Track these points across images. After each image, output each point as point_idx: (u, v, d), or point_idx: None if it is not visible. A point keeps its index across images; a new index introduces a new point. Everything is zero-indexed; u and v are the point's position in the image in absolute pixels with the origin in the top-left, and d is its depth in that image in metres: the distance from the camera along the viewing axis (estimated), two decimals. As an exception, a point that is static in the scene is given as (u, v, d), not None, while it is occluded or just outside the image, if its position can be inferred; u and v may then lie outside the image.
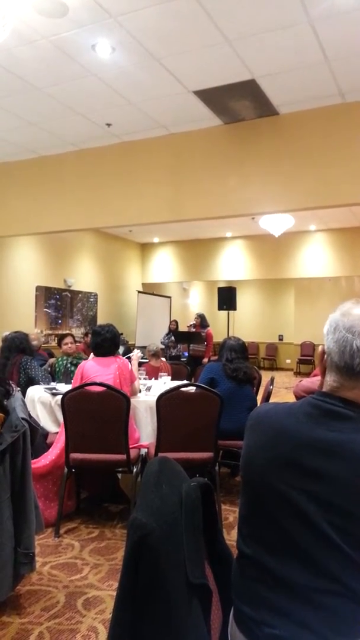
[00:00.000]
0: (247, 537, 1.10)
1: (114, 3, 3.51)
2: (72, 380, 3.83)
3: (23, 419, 2.26)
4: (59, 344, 5.26)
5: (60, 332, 9.99)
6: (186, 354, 9.45)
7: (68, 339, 5.13)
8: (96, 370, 3.67)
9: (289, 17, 3.62)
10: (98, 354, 3.78)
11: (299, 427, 1.06)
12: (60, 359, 5.11)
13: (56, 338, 9.81)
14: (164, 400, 3.32)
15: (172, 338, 9.86)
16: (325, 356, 1.12)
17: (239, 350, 4.09)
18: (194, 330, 9.43)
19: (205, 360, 8.67)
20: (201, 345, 9.16)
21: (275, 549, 1.03)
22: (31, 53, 4.13)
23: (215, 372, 4.01)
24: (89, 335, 9.16)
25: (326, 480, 0.99)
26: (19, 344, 4.40)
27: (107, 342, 3.75)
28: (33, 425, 2.38)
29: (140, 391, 4.04)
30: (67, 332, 9.05)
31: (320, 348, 1.15)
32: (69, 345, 5.10)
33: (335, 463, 1.00)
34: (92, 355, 3.90)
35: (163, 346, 9.45)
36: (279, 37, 3.87)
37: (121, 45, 4.03)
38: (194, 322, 9.53)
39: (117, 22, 3.73)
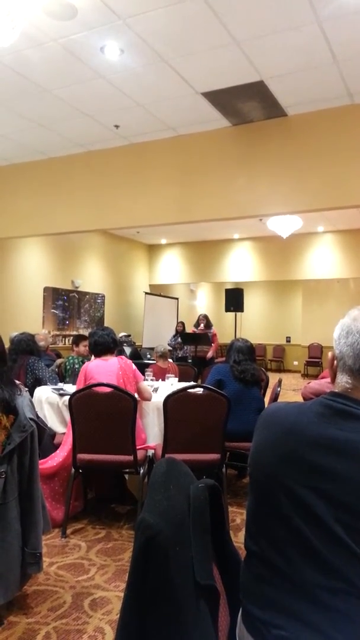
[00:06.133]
0: (255, 534, 1.09)
1: (123, 5, 3.53)
2: (77, 381, 3.84)
3: (31, 419, 2.27)
4: (76, 344, 5.26)
5: (67, 333, 10.03)
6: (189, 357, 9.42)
7: (86, 342, 5.14)
8: (98, 370, 3.67)
9: (298, 18, 3.62)
10: (97, 353, 3.80)
11: (309, 426, 1.06)
12: (70, 358, 5.11)
13: (64, 339, 9.87)
14: (171, 402, 3.32)
15: (179, 340, 9.86)
16: (336, 361, 1.14)
17: (247, 352, 4.08)
18: (198, 332, 9.43)
19: (210, 355, 8.81)
20: (208, 347, 9.17)
21: (283, 547, 1.02)
22: (40, 55, 4.16)
23: (222, 373, 4.00)
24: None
25: (335, 478, 0.99)
26: (25, 345, 4.42)
27: (103, 338, 3.77)
28: (41, 426, 2.39)
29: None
30: (83, 333, 9.07)
31: (330, 354, 1.17)
32: (87, 347, 5.12)
33: (345, 462, 0.99)
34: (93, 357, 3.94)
35: (170, 348, 9.44)
36: (288, 38, 3.87)
37: (130, 47, 4.04)
38: (202, 323, 9.52)
39: (125, 24, 3.74)
